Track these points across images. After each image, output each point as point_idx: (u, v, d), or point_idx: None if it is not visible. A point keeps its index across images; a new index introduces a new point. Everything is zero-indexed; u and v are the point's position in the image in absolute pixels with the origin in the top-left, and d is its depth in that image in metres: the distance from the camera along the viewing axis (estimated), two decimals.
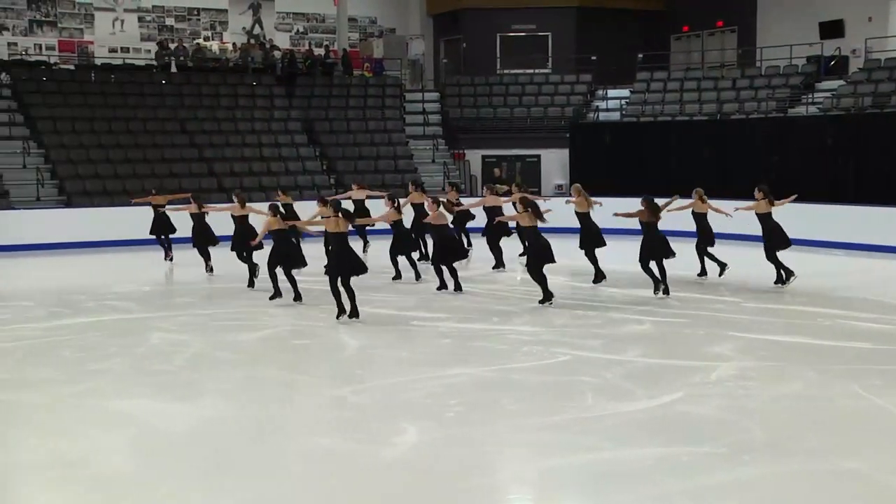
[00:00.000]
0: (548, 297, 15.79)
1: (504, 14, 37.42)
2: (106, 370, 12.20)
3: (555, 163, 33.11)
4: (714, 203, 18.48)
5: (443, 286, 17.18)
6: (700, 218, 18.37)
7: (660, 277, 16.63)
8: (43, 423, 10.06)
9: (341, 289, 14.53)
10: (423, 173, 32.08)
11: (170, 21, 38.24)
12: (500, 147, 33.57)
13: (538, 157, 33.58)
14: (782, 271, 17.43)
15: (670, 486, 8.00)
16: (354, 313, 14.65)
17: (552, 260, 15.80)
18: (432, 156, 33.57)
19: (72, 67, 33.97)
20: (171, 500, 7.87)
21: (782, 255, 17.39)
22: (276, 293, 16.27)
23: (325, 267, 15.79)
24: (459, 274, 17.31)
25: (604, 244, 18.09)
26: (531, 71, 37.03)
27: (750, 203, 17.89)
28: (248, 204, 18.52)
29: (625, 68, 34.89)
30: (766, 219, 17.39)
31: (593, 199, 18.37)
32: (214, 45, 37.30)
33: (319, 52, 37.09)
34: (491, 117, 35.01)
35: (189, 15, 38.66)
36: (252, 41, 37.91)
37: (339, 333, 14.21)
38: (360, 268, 14.84)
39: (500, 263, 19.93)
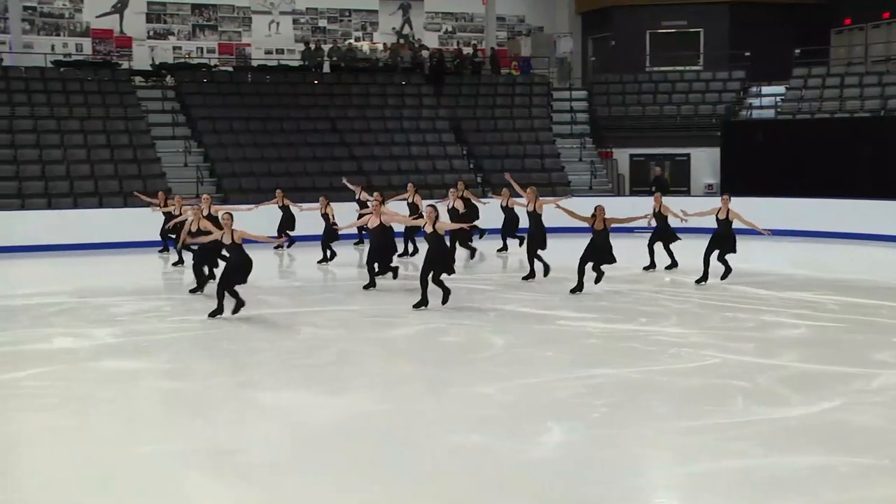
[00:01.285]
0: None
1: (655, 10, 36.77)
2: (259, 363, 12.44)
3: (705, 162, 32.39)
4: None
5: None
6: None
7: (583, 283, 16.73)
8: (202, 412, 10.28)
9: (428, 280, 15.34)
10: (569, 172, 31.85)
11: (322, 22, 38.90)
12: (649, 146, 33.01)
13: (688, 155, 32.89)
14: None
15: (827, 497, 7.68)
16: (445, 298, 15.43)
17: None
18: (579, 154, 33.20)
19: (230, 69, 34.87)
20: (321, 490, 7.92)
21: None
22: (372, 283, 17.38)
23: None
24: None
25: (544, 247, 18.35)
26: (682, 68, 36.30)
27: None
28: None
29: (780, 64, 33.84)
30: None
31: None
32: (365, 46, 37.78)
33: (467, 50, 37.17)
34: (639, 115, 34.47)
35: (341, 16, 39.24)
36: (401, 41, 38.24)
37: (485, 332, 14.15)
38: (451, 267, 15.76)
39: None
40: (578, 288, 16.60)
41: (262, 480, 8.19)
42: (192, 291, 17.20)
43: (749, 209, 17.71)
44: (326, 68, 35.14)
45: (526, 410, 10.25)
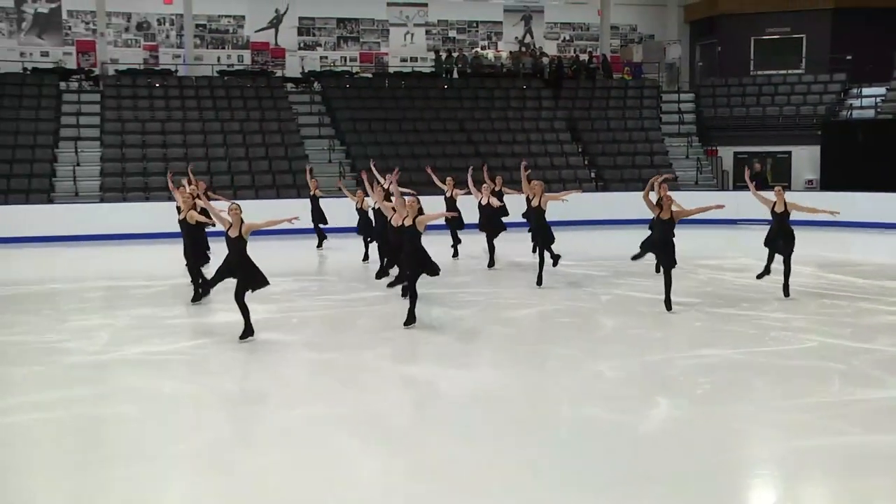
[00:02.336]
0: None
1: (759, 18, 35.85)
2: (396, 338, 12.53)
3: (805, 159, 31.56)
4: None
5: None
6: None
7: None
8: (346, 381, 10.43)
9: None
10: (676, 168, 31.28)
11: (452, 33, 39.00)
12: (752, 144, 32.31)
13: (789, 153, 32.08)
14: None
15: None
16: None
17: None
18: (686, 152, 32.65)
19: (370, 76, 35.25)
20: (456, 451, 7.96)
21: None
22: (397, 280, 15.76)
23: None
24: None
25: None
26: (784, 72, 35.33)
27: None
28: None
29: (880, 67, 32.65)
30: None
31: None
32: (490, 54, 37.76)
33: (584, 57, 36.83)
34: (743, 116, 33.71)
35: (469, 27, 39.28)
36: (523, 49, 38.13)
37: (599, 315, 14.05)
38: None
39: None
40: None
41: (404, 442, 8.30)
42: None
43: (848, 203, 17.11)
44: (455, 74, 35.30)
45: (636, 386, 10.14)
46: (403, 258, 13.35)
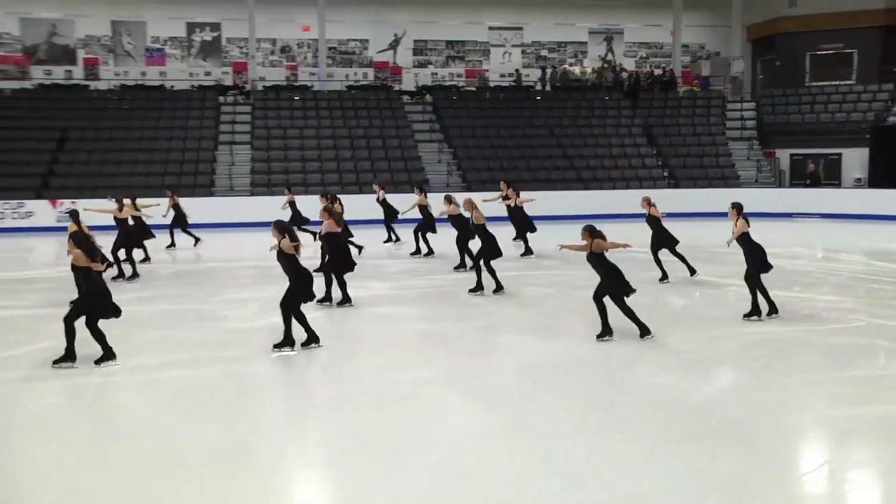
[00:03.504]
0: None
1: (814, 35, 34.49)
2: (497, 311, 12.49)
3: (854, 160, 30.30)
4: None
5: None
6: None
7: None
8: (451, 348, 10.45)
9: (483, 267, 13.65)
10: (739, 168, 30.55)
11: (544, 52, 38.64)
12: (807, 147, 31.15)
13: (839, 155, 30.84)
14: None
15: None
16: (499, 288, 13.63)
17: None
18: (747, 154, 31.73)
19: (473, 89, 35.18)
20: (546, 414, 7.90)
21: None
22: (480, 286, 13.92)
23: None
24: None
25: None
26: (836, 82, 33.99)
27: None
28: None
29: None
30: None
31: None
32: (577, 70, 37.30)
33: (658, 72, 36.08)
34: (799, 122, 32.56)
35: (558, 47, 38.86)
36: (605, 65, 37.56)
37: (669, 295, 13.78)
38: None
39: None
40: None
41: (502, 402, 8.27)
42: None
43: (894, 200, 16.34)
44: (547, 87, 35.04)
45: (698, 358, 9.93)
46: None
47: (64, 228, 13.53)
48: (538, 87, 35.19)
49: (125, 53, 34.85)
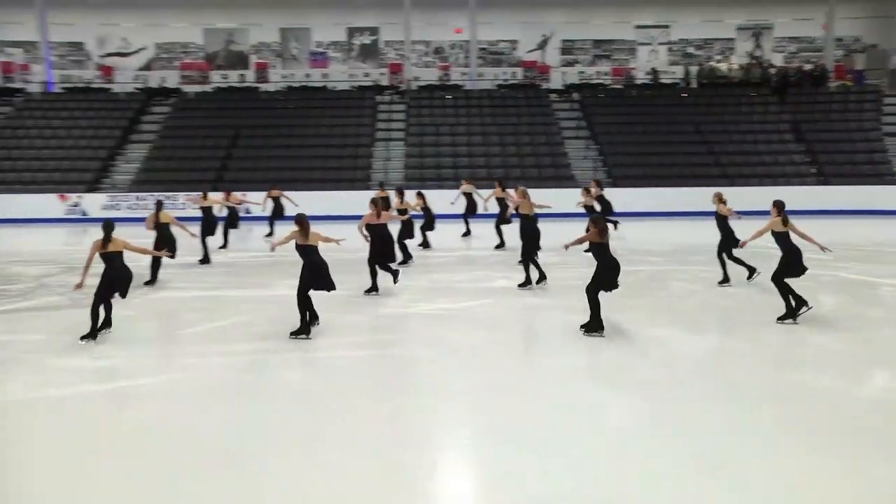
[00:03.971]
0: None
1: None
2: (640, 306, 12.25)
3: None
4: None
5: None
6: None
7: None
8: (604, 340, 10.35)
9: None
10: (895, 165, 28.64)
11: (690, 49, 37.47)
12: None
13: None
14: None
15: None
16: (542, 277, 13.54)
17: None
18: None
19: (620, 87, 34.58)
20: (691, 407, 7.71)
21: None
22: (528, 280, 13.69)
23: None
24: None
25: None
26: None
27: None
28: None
29: None
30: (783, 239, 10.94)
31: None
32: (723, 66, 35.95)
33: (807, 67, 34.32)
34: None
35: (705, 43, 37.58)
36: (753, 61, 36.04)
37: (819, 293, 13.10)
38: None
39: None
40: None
41: (650, 394, 8.11)
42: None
43: None
44: (692, 84, 33.99)
45: (852, 357, 9.41)
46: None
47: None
48: (681, 84, 34.20)
49: (292, 57, 36.25)
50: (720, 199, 13.67)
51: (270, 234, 20.70)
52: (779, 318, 10.88)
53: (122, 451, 6.69)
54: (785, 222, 10.81)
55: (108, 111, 31.93)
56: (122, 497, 5.88)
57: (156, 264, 13.79)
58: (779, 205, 11.00)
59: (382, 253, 13.10)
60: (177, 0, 34.85)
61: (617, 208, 21.73)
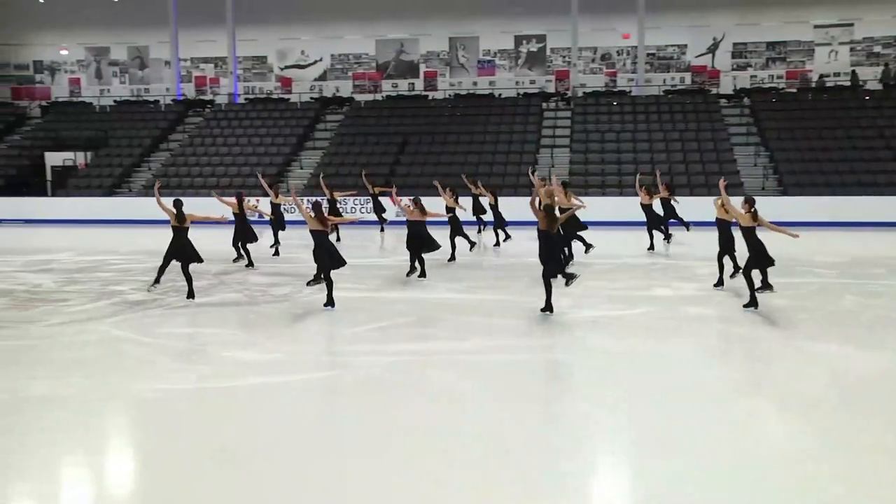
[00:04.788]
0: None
1: None
2: (808, 319, 11.58)
3: None
4: None
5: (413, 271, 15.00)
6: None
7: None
8: (762, 353, 9.86)
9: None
10: None
11: (877, 48, 35.06)
12: None
13: None
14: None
15: None
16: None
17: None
18: None
19: (794, 91, 32.88)
20: (847, 427, 7.20)
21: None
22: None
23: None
24: None
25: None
26: None
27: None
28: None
29: None
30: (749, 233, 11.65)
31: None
32: None
33: None
34: None
35: (894, 42, 35.05)
36: None
37: None
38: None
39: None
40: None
41: (812, 409, 7.65)
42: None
43: None
44: (879, 86, 31.80)
45: None
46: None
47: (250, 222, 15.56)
48: (863, 85, 32.04)
49: (460, 66, 36.86)
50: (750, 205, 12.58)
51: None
52: (744, 305, 11.83)
53: (282, 440, 7.03)
54: (754, 217, 11.52)
55: (285, 120, 33.68)
56: (281, 479, 6.18)
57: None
58: (750, 200, 11.75)
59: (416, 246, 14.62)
60: (352, 13, 36.25)
61: (788, 217, 20.73)
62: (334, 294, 12.32)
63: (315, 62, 37.70)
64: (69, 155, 32.76)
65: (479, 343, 10.30)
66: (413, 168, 29.47)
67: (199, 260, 12.96)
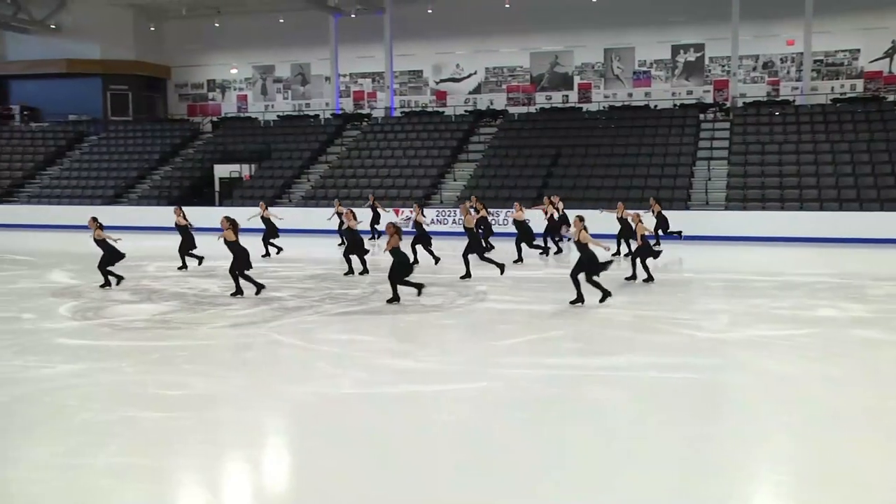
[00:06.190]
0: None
1: None
2: None
3: None
4: None
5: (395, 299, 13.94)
6: None
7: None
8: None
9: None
10: None
11: None
12: None
13: None
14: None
15: None
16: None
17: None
18: None
19: None
20: None
21: None
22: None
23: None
24: None
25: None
26: None
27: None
28: None
29: None
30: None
31: None
32: None
33: None
34: None
35: None
36: None
37: None
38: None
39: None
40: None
41: None
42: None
43: None
44: None
45: None
46: None
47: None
48: None
49: (614, 77, 36.29)
50: (639, 219, 15.65)
51: (267, 255, 20.64)
52: (571, 302, 13.15)
53: (432, 449, 7.05)
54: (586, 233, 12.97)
55: (440, 132, 34.20)
56: (431, 488, 6.19)
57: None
58: (582, 218, 13.08)
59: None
60: (507, 27, 36.43)
61: None
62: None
63: (470, 75, 38.12)
64: (235, 167, 34.58)
65: (635, 359, 10.00)
66: (565, 181, 29.19)
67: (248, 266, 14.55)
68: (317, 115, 38.39)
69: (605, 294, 13.20)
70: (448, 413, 8.08)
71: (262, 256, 20.24)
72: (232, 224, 14.45)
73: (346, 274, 17.01)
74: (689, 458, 6.85)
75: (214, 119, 40.20)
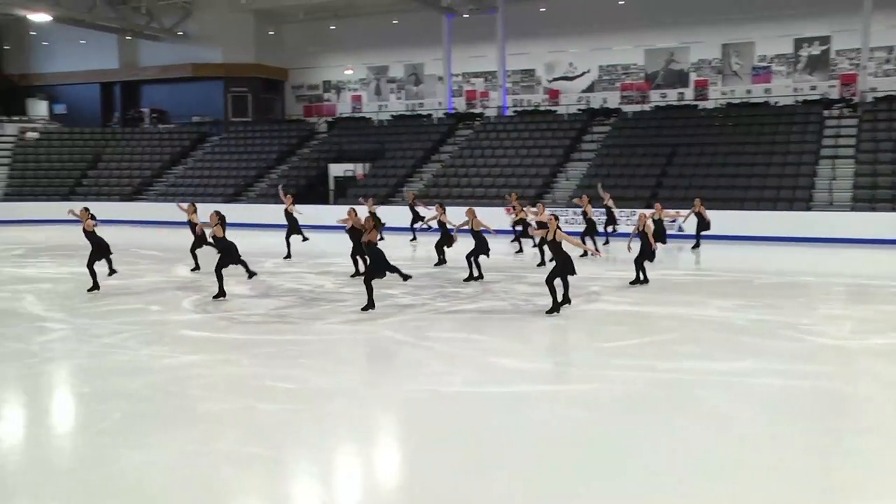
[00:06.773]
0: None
1: None
2: None
3: None
4: None
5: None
6: None
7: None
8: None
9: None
10: None
11: None
12: None
13: None
14: None
15: None
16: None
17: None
18: None
19: None
20: None
21: None
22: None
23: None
24: None
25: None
26: None
27: None
28: None
29: None
30: None
31: None
32: None
33: None
34: None
35: None
36: None
37: None
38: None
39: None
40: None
41: None
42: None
43: None
44: None
45: None
46: None
47: (507, 232, 14.48)
48: None
49: (732, 73, 35.18)
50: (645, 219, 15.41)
51: (289, 256, 20.28)
52: (547, 312, 12.64)
53: (538, 447, 7.05)
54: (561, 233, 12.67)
55: (552, 131, 34.00)
56: (538, 488, 6.20)
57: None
58: (557, 217, 12.93)
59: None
60: (620, 24, 35.88)
61: None
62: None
63: (583, 74, 37.72)
64: (349, 166, 35.34)
65: (752, 365, 9.71)
66: (681, 181, 28.52)
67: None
68: (429, 115, 38.81)
69: (559, 305, 12.64)
70: (561, 414, 8.05)
71: (285, 258, 20.01)
72: (221, 220, 14.18)
73: (436, 265, 18.42)
74: (805, 470, 6.60)
75: (329, 119, 41.20)
